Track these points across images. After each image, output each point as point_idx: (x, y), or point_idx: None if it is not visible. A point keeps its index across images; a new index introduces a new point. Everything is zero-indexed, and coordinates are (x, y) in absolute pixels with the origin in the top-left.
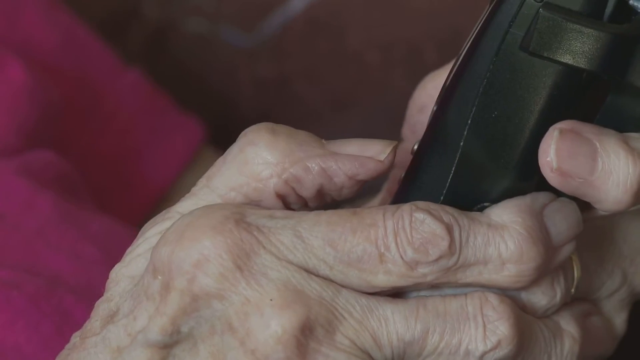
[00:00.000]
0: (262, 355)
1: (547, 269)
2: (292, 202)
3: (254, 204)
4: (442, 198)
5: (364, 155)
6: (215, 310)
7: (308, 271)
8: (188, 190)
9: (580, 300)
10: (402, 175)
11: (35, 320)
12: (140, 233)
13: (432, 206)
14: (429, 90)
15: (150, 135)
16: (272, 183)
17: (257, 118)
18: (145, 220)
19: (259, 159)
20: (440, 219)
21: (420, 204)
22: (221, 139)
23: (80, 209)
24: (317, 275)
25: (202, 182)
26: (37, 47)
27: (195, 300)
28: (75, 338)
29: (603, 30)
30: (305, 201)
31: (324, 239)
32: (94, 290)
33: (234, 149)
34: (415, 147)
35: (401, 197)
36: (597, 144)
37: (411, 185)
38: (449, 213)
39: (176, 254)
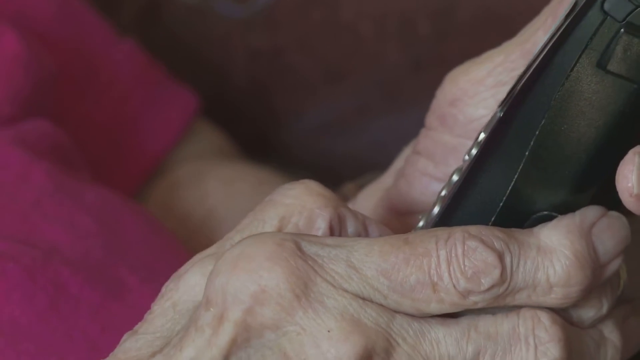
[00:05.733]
0: None
1: (594, 286)
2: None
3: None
4: (501, 205)
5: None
6: (267, 340)
7: (363, 299)
8: (182, 161)
9: (620, 302)
10: (456, 175)
11: (31, 292)
12: (191, 263)
13: (484, 232)
14: (461, 84)
15: (145, 105)
16: (328, 213)
17: (251, 88)
18: (140, 190)
19: (313, 191)
20: (492, 247)
21: (472, 229)
22: (214, 109)
23: (75, 179)
24: (372, 302)
25: (249, 218)
26: (33, 17)
27: (248, 331)
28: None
29: None
30: None
31: (377, 269)
32: (89, 261)
33: (280, 190)
34: (473, 151)
35: (460, 203)
36: None
37: (470, 191)
38: (500, 239)
39: (231, 284)
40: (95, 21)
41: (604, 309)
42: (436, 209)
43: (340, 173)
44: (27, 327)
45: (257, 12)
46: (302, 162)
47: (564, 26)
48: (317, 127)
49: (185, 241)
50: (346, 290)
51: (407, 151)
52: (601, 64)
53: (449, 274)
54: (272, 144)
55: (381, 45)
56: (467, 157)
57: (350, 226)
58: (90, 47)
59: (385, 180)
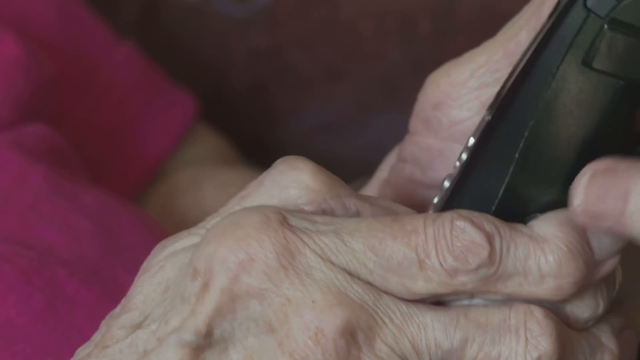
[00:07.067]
0: (300, 357)
1: (588, 282)
2: None
3: None
4: (493, 208)
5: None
6: (253, 312)
7: (350, 274)
8: (182, 165)
9: (616, 312)
10: (447, 183)
11: (27, 294)
12: (159, 247)
13: (475, 215)
14: (443, 87)
15: (144, 109)
16: (311, 209)
17: (250, 88)
18: (139, 194)
19: (301, 184)
20: (481, 228)
21: (463, 212)
22: (214, 109)
23: (73, 182)
24: (359, 279)
25: (234, 200)
26: (32, 21)
27: (233, 300)
28: (86, 349)
29: None
30: None
31: (365, 243)
32: (86, 263)
33: (273, 172)
34: (464, 156)
35: (452, 206)
36: (631, 185)
37: (462, 194)
38: (490, 222)
39: (219, 252)
40: (94, 25)
41: (600, 309)
42: None
43: (339, 172)
44: (24, 328)
45: (257, 12)
46: None
47: (547, 25)
48: (317, 127)
49: None
50: (333, 263)
51: (389, 160)
52: (586, 62)
53: (436, 252)
54: (271, 142)
55: (381, 44)
56: (457, 164)
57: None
58: (89, 50)
59: (369, 190)
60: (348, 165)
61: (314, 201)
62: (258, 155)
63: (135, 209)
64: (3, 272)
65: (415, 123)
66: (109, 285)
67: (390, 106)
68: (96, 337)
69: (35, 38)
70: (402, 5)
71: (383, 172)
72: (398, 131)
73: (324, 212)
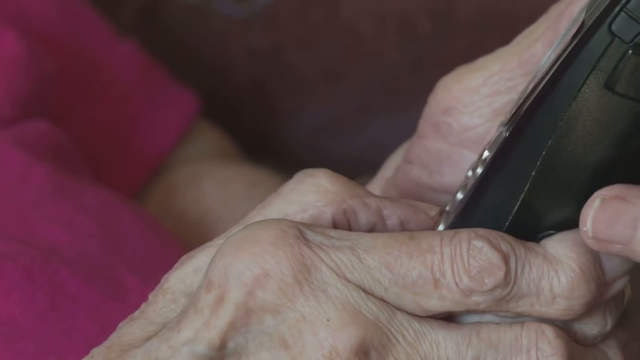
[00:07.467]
0: None
1: (598, 302)
2: None
3: None
4: (507, 224)
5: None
6: (267, 326)
7: (365, 291)
8: (183, 162)
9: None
10: (460, 194)
11: (30, 292)
12: (182, 261)
13: (491, 234)
14: (455, 93)
15: (145, 106)
16: (331, 210)
17: (251, 88)
18: (140, 191)
19: (319, 188)
20: (498, 248)
21: (480, 231)
22: (214, 109)
23: (75, 179)
24: (373, 296)
25: (255, 211)
26: (33, 18)
27: (248, 314)
28: (101, 349)
29: None
30: None
31: (380, 260)
32: (88, 261)
33: (290, 182)
34: (479, 170)
35: (466, 219)
36: None
37: (476, 207)
38: (507, 242)
39: (235, 266)
40: (96, 22)
41: (608, 326)
42: (441, 227)
43: (339, 172)
44: (26, 326)
45: (257, 12)
46: (302, 162)
47: (571, 46)
48: (317, 127)
49: (182, 240)
50: (349, 280)
51: (394, 159)
52: (609, 85)
53: (452, 271)
54: (271, 143)
55: (381, 44)
56: (470, 173)
57: (362, 218)
58: (91, 47)
59: (373, 189)
60: (348, 165)
61: (333, 202)
62: (258, 154)
63: (137, 206)
64: (6, 271)
65: (424, 126)
66: (111, 283)
67: (390, 106)
68: (113, 337)
69: (36, 34)
70: (402, 5)
71: (387, 171)
72: (398, 131)
73: (345, 213)
